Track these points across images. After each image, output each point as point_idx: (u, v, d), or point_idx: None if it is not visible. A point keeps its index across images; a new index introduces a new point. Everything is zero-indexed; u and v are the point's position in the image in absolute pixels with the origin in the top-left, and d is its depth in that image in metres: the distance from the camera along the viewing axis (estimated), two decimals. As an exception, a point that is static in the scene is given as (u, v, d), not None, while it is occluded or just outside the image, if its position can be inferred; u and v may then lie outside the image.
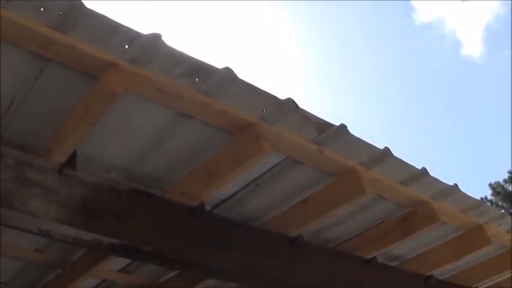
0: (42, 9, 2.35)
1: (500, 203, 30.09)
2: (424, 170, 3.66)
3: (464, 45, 58.50)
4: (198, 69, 2.72)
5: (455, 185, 3.89)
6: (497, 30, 46.63)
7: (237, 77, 2.79)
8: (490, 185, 30.88)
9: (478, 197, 4.20)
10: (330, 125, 3.18)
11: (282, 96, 2.96)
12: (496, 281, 5.31)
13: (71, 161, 3.02)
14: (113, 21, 2.46)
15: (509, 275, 5.17)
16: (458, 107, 49.74)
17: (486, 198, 29.88)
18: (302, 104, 3.01)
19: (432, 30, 47.22)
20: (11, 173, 2.82)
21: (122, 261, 4.51)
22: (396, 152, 3.46)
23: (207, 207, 3.59)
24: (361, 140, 3.32)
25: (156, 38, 2.54)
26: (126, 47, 2.54)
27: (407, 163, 3.58)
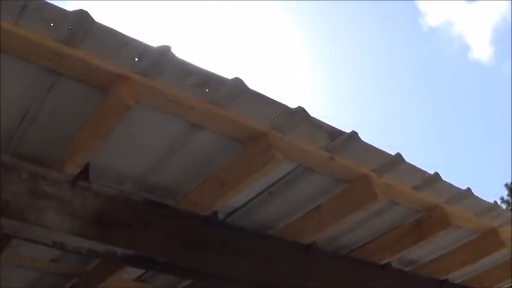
0: (51, 24, 2.37)
1: (516, 204, 29.82)
2: (436, 174, 3.64)
3: (473, 48, 58.16)
4: (208, 80, 2.73)
5: (468, 188, 3.87)
6: (506, 32, 46.26)
7: (247, 87, 2.80)
8: (506, 185, 30.62)
9: (494, 198, 4.19)
10: (341, 132, 3.17)
11: (293, 104, 2.97)
12: (512, 283, 5.28)
13: (84, 173, 3.03)
14: (123, 34, 2.48)
15: (526, 277, 5.14)
16: (470, 110, 49.45)
17: (503, 198, 29.62)
18: (311, 111, 3.02)
19: (439, 35, 46.85)
20: (25, 186, 2.84)
21: (137, 270, 4.52)
22: (408, 157, 3.45)
23: (221, 216, 3.59)
24: (373, 146, 3.31)
25: (165, 50, 2.56)
26: (136, 59, 2.56)
27: (419, 168, 3.56)
